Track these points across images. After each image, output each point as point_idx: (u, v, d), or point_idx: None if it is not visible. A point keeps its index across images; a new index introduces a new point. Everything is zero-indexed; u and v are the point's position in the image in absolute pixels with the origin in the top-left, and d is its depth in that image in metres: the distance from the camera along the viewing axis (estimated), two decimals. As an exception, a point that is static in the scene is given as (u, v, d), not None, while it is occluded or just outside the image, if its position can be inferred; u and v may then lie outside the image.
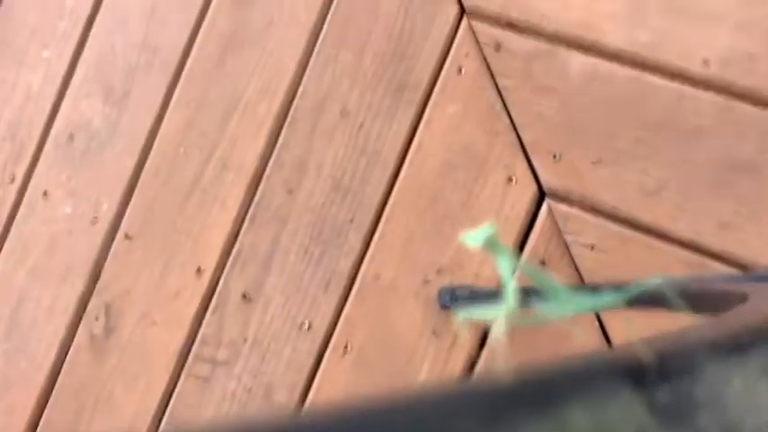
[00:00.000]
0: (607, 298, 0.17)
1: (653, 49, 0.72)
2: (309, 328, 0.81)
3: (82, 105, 0.95)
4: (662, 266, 0.69)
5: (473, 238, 0.15)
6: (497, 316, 0.14)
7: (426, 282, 0.77)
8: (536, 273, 0.16)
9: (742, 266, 0.68)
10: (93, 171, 0.93)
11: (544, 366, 0.12)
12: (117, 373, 0.87)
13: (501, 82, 0.77)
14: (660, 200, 0.70)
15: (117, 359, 0.87)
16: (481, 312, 0.15)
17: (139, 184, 0.91)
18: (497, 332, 0.14)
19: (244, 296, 0.84)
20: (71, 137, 0.95)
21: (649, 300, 0.17)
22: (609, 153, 0.72)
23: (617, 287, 0.18)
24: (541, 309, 0.17)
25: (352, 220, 0.81)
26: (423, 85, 0.81)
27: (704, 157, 0.70)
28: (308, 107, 0.85)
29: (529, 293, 0.19)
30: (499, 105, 0.77)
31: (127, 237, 0.90)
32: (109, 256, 0.91)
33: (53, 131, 0.95)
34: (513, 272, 0.16)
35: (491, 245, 0.15)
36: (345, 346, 0.79)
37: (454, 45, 0.80)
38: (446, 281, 0.77)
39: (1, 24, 1.01)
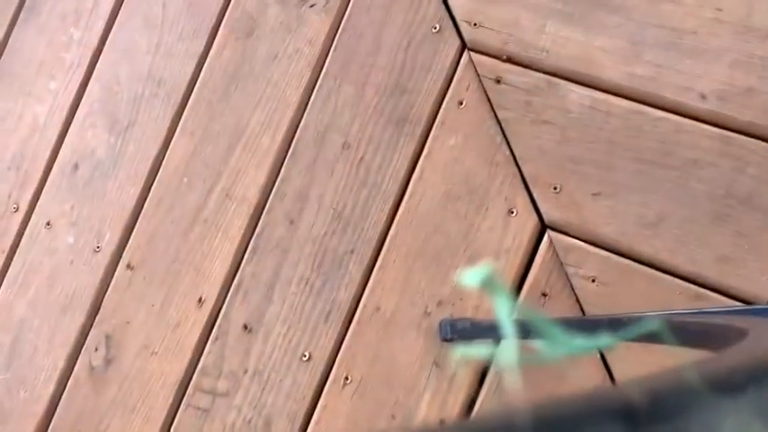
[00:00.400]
0: (604, 339, 0.17)
1: (650, 84, 0.73)
2: (310, 359, 0.81)
3: (87, 135, 0.96)
4: (663, 299, 0.69)
5: (470, 277, 0.15)
6: (493, 354, 0.15)
7: (427, 314, 0.77)
8: (532, 314, 0.16)
9: (742, 300, 0.68)
10: (97, 201, 0.94)
11: (538, 407, 0.12)
12: (116, 404, 0.87)
13: (501, 114, 0.78)
14: (660, 232, 0.71)
15: (116, 390, 0.87)
16: (479, 350, 0.15)
17: (142, 214, 0.91)
18: (510, 381, 0.14)
19: (245, 327, 0.83)
20: (76, 166, 0.96)
21: (646, 337, 0.18)
22: (608, 185, 0.73)
23: (614, 323, 0.18)
24: (540, 349, 0.17)
25: (352, 252, 0.82)
26: (424, 118, 0.82)
27: (703, 189, 0.70)
28: (309, 139, 0.86)
29: (528, 330, 0.19)
30: (500, 138, 0.78)
31: (129, 267, 0.90)
32: (110, 287, 0.91)
33: (58, 161, 0.96)
34: (511, 313, 0.16)
35: (488, 284, 0.15)
36: (346, 378, 0.79)
37: (455, 78, 0.81)
38: (447, 313, 0.77)
39: (9, 57, 1.02)
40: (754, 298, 0.67)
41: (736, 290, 0.68)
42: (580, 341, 0.16)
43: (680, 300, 0.69)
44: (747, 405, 0.13)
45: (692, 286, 0.69)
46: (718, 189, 0.70)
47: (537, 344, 0.17)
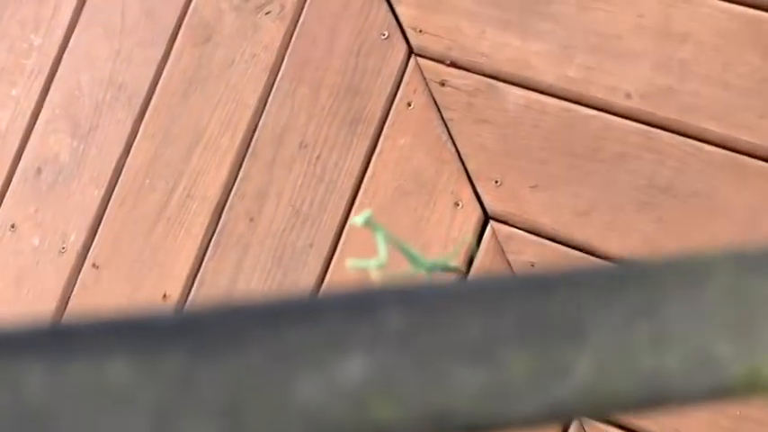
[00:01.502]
0: (447, 263, 0.24)
1: (581, 84, 0.80)
2: (272, 348, 0.85)
3: (50, 140, 0.99)
4: (595, 281, 0.76)
5: (358, 219, 0.21)
6: (373, 266, 0.21)
7: (382, 301, 0.83)
8: (399, 242, 0.22)
9: (665, 279, 0.75)
10: (61, 203, 0.97)
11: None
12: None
13: (446, 115, 0.84)
14: (591, 220, 0.77)
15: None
16: (364, 263, 0.21)
17: (106, 215, 0.95)
18: (374, 275, 0.20)
19: (209, 319, 0.88)
20: (39, 171, 0.98)
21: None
22: (544, 178, 0.79)
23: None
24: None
25: (311, 245, 0.87)
26: (375, 119, 0.87)
27: (628, 180, 0.77)
28: (268, 140, 0.90)
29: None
30: (445, 136, 0.84)
31: (94, 266, 0.93)
32: (76, 286, 0.94)
33: (21, 165, 0.99)
34: (386, 242, 0.22)
35: (369, 223, 0.21)
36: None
37: (403, 82, 0.87)
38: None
39: (-31, 63, 1.04)
40: (675, 277, 0.75)
41: (660, 270, 0.75)
42: (431, 262, 0.23)
43: (610, 281, 0.76)
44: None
45: (620, 268, 0.76)
46: (641, 180, 0.77)
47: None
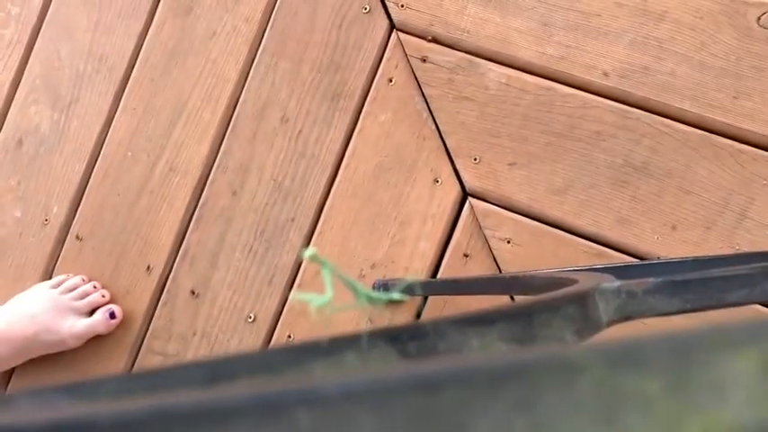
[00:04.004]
0: (383, 295, 0.25)
1: (560, 62, 0.80)
2: (255, 320, 0.87)
3: (30, 112, 0.98)
4: (569, 257, 0.78)
5: (305, 253, 0.23)
6: (318, 303, 0.22)
7: (362, 276, 0.84)
8: (346, 278, 0.23)
9: (637, 256, 0.77)
10: (43, 175, 0.97)
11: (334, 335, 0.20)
12: (72, 369, 0.92)
13: (427, 91, 0.84)
14: (567, 198, 0.79)
15: (70, 357, 0.92)
16: (309, 297, 0.22)
17: (89, 188, 0.95)
18: (313, 312, 0.22)
19: (192, 292, 0.89)
20: (20, 142, 0.98)
21: (408, 290, 0.26)
22: (522, 156, 0.80)
23: (398, 285, 0.26)
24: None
25: (293, 220, 0.88)
26: (357, 94, 0.87)
27: (604, 159, 0.78)
28: (249, 114, 0.90)
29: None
30: (426, 113, 0.84)
31: (78, 238, 0.94)
32: (60, 257, 0.95)
33: (1, 137, 0.99)
34: (332, 278, 0.24)
35: (315, 259, 0.23)
36: (289, 336, 0.86)
37: (385, 57, 0.87)
38: (380, 274, 0.84)
39: (-54, 32, 1.03)
40: (647, 254, 0.77)
41: (633, 248, 0.77)
42: (375, 294, 0.24)
43: (584, 257, 0.78)
44: (495, 332, 0.21)
45: (594, 245, 0.78)
46: (617, 158, 0.78)
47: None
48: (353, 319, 0.84)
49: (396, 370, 0.10)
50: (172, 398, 0.10)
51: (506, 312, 0.22)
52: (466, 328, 0.20)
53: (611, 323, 0.29)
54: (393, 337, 0.20)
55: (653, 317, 0.30)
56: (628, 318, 0.30)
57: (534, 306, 0.23)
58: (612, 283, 0.30)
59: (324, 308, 0.22)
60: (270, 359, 0.18)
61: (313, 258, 0.22)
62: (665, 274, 0.32)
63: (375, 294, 0.25)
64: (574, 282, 0.31)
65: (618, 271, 0.40)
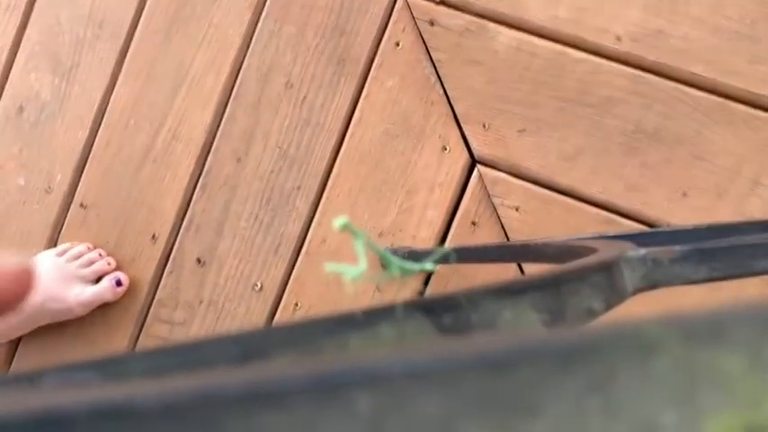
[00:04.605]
0: (416, 265, 0.24)
1: (572, 26, 0.79)
2: (261, 288, 0.87)
3: (30, 78, 0.97)
4: (578, 224, 0.77)
5: (336, 223, 0.22)
6: (352, 274, 0.21)
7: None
8: (377, 246, 0.23)
9: (648, 223, 0.76)
10: (45, 142, 0.96)
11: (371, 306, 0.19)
12: (79, 338, 0.92)
13: (435, 56, 0.83)
14: (577, 165, 0.78)
15: (77, 326, 0.92)
16: (343, 268, 0.22)
17: (92, 155, 0.94)
18: (350, 286, 0.21)
19: (198, 260, 0.89)
20: (21, 109, 0.97)
21: (443, 259, 0.25)
22: (532, 122, 0.79)
23: (428, 254, 0.26)
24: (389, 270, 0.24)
25: (299, 188, 0.87)
26: (363, 59, 0.86)
27: (615, 125, 0.77)
28: (253, 80, 0.89)
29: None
30: (434, 78, 0.83)
31: (82, 206, 0.93)
32: (64, 225, 0.94)
33: (2, 104, 0.97)
34: (365, 247, 0.23)
35: (348, 228, 0.22)
36: (296, 304, 0.86)
37: (391, 20, 0.85)
38: (388, 242, 0.84)
39: (-58, -4, 1.01)
40: (656, 221, 0.76)
41: (643, 215, 0.76)
42: (408, 265, 0.24)
43: (593, 225, 0.77)
44: (527, 302, 0.20)
45: (603, 212, 0.77)
46: (628, 125, 0.77)
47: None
48: (363, 290, 0.84)
49: (462, 348, 0.09)
50: (216, 378, 0.09)
51: (536, 282, 0.21)
52: (499, 298, 0.20)
53: (636, 292, 0.29)
54: (428, 309, 0.19)
55: (679, 285, 0.29)
56: (653, 286, 0.29)
57: (563, 275, 0.23)
58: (638, 251, 0.29)
59: (357, 279, 0.22)
60: (303, 332, 0.17)
61: (345, 227, 0.22)
62: (680, 242, 0.31)
63: (408, 265, 0.24)
64: (593, 250, 0.30)
65: (632, 239, 0.39)
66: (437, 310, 0.19)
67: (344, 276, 0.22)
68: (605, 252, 0.29)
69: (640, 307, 0.21)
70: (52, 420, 0.08)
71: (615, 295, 0.26)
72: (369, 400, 0.08)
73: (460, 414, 0.08)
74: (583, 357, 0.09)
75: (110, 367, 0.16)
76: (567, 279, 0.23)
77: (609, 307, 0.25)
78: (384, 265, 0.26)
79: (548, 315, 0.21)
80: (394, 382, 0.09)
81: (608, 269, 0.26)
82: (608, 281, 0.25)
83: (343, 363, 0.09)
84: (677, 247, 0.29)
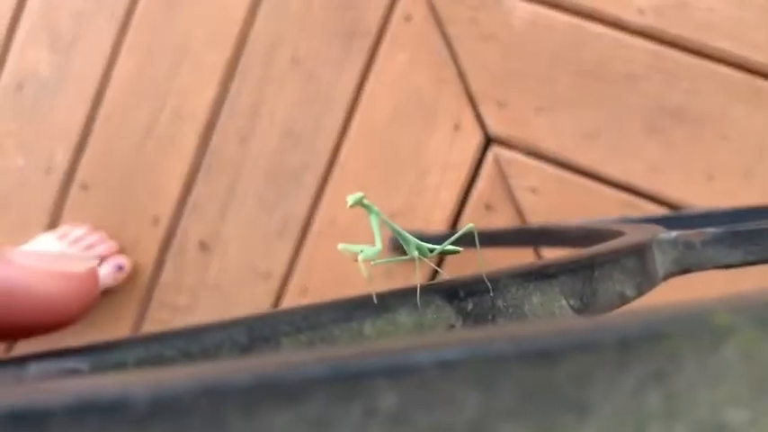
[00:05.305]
0: (438, 246, 0.22)
1: (592, -2, 0.75)
2: (266, 272, 0.84)
3: (29, 54, 0.93)
4: (597, 206, 0.74)
5: (350, 200, 0.20)
6: (368, 254, 0.19)
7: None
8: (393, 225, 0.21)
9: (670, 206, 0.73)
10: (45, 121, 0.93)
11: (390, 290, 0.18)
12: (79, 324, 0.89)
13: (448, 30, 0.79)
14: (595, 144, 0.75)
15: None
16: (358, 248, 0.19)
17: (93, 134, 0.91)
18: (361, 264, 0.19)
19: (201, 244, 0.86)
20: (19, 86, 0.94)
21: (465, 241, 0.23)
22: (549, 100, 0.76)
23: (445, 237, 0.24)
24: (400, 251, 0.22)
25: (306, 167, 0.84)
26: (372, 33, 0.82)
27: (636, 102, 0.74)
28: (258, 55, 0.86)
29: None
30: (446, 53, 0.79)
31: (83, 187, 0.91)
32: (65, 207, 0.92)
33: (1, 82, 0.94)
34: (380, 225, 0.21)
35: (363, 205, 0.20)
36: (304, 289, 0.83)
37: (402, -7, 0.81)
38: (398, 224, 0.81)
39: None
40: (679, 203, 0.73)
41: (665, 197, 0.73)
42: (429, 245, 0.21)
43: (612, 207, 0.74)
44: (557, 287, 0.18)
45: (624, 194, 0.74)
46: (650, 102, 0.74)
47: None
48: (375, 275, 0.81)
49: (501, 335, 0.08)
50: (219, 368, 0.08)
51: (569, 265, 0.19)
52: (527, 282, 0.18)
53: (667, 277, 0.26)
54: (449, 293, 0.18)
55: (712, 269, 0.27)
56: (686, 270, 0.27)
57: (595, 258, 0.21)
58: (669, 233, 0.27)
59: (372, 259, 0.20)
60: (314, 317, 0.16)
61: (358, 203, 0.19)
62: (709, 225, 0.29)
63: (428, 245, 0.22)
64: (619, 233, 0.28)
65: (658, 222, 0.36)
66: (460, 295, 0.17)
67: (359, 257, 0.20)
68: (635, 235, 0.27)
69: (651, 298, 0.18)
70: (28, 417, 0.07)
71: (647, 280, 0.24)
72: (394, 394, 0.07)
73: (500, 411, 0.08)
74: (641, 346, 0.08)
75: (101, 355, 0.14)
76: (600, 262, 0.21)
77: (640, 293, 0.23)
78: (397, 247, 0.24)
79: (578, 301, 0.19)
80: (424, 374, 0.08)
81: (640, 252, 0.24)
82: (640, 265, 0.23)
83: (364, 351, 0.08)
84: (710, 230, 0.27)
